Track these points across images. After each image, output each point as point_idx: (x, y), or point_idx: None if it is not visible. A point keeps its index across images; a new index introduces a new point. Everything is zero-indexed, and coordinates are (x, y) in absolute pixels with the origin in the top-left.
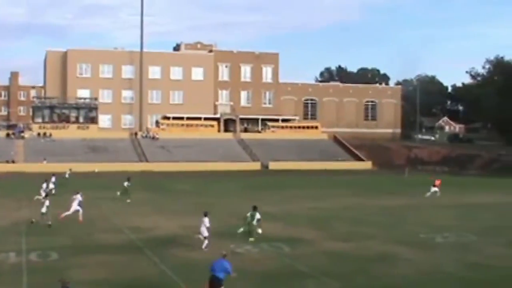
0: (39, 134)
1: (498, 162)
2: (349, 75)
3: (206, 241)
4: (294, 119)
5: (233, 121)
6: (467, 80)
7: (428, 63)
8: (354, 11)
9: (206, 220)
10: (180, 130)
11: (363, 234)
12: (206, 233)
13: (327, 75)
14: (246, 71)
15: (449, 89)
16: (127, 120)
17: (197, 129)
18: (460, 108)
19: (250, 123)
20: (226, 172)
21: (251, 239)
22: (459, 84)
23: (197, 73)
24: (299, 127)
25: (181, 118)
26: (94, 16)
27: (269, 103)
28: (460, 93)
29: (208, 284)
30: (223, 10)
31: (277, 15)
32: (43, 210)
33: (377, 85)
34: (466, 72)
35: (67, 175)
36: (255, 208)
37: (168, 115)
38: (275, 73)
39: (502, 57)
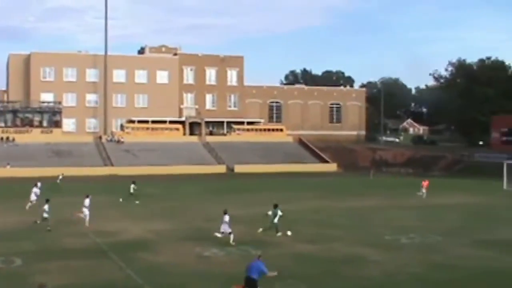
0: (1, 138)
1: (461, 163)
2: (314, 78)
3: (231, 235)
4: (259, 122)
5: (199, 124)
6: (431, 82)
7: (392, 65)
8: (319, 15)
9: (226, 217)
10: (145, 133)
11: (329, 236)
12: (229, 229)
13: (292, 78)
14: (211, 74)
15: (413, 91)
16: (92, 124)
17: (162, 133)
18: (424, 110)
19: (215, 126)
20: (192, 176)
21: (278, 234)
22: (422, 87)
23: (162, 77)
24: (264, 129)
25: (146, 122)
26: (58, 19)
27: (234, 106)
28: (423, 95)
29: (243, 285)
30: (188, 13)
31: (242, 18)
32: (45, 215)
33: (342, 87)
34: (430, 74)
35: (58, 180)
36: (276, 206)
37: (133, 118)
38: (240, 76)
39: (464, 60)
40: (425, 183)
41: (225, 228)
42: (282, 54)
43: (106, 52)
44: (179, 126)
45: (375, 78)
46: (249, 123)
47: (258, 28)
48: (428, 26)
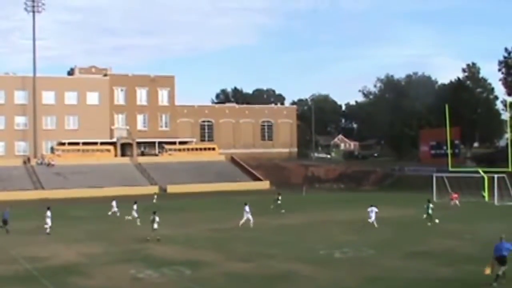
0: None
1: (391, 177)
2: (245, 96)
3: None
4: (191, 141)
5: (130, 145)
6: (360, 98)
7: (322, 82)
8: (248, 34)
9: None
10: (76, 156)
11: (263, 254)
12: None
13: (223, 97)
14: (142, 95)
15: (343, 107)
16: (21, 147)
17: (94, 154)
18: (354, 125)
19: (147, 147)
20: (124, 197)
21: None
22: (352, 103)
23: (92, 98)
24: (196, 149)
25: (77, 144)
26: None
27: (166, 126)
28: (353, 111)
29: (495, 262)
30: (116, 34)
31: (170, 38)
32: (155, 226)
33: (273, 105)
34: (359, 90)
35: (154, 200)
36: (429, 201)
37: (64, 140)
38: (171, 96)
39: (392, 76)
40: (455, 195)
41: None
42: (212, 73)
43: (34, 73)
44: (111, 147)
45: (305, 95)
46: (181, 142)
47: (187, 48)
48: (356, 42)
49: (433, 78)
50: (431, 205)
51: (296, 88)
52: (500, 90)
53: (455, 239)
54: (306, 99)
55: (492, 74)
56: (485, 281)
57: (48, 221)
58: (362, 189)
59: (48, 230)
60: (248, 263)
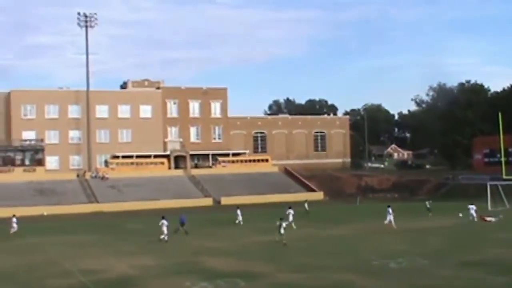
0: None
1: (445, 186)
2: (297, 107)
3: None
4: (244, 153)
5: (183, 157)
6: (413, 107)
7: (374, 92)
8: (298, 44)
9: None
10: (130, 169)
11: (316, 265)
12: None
13: (276, 108)
14: (194, 107)
15: (396, 116)
16: (75, 160)
17: (147, 167)
18: (407, 135)
19: (200, 159)
20: (178, 210)
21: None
22: (405, 112)
23: (145, 111)
24: (249, 160)
25: (131, 157)
26: (37, 55)
27: (219, 138)
28: (406, 120)
29: None
30: (167, 47)
31: (221, 50)
32: (282, 231)
33: (325, 116)
34: (412, 99)
35: (306, 207)
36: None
37: (117, 154)
38: (223, 108)
39: (444, 84)
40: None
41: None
42: (264, 84)
43: (88, 87)
44: (164, 160)
45: (358, 105)
46: (234, 154)
47: (238, 59)
48: (408, 51)
49: (485, 86)
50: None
51: (349, 99)
52: None
53: (509, 247)
54: (359, 109)
55: None
56: None
57: (165, 229)
58: (416, 198)
59: (165, 238)
60: (300, 274)
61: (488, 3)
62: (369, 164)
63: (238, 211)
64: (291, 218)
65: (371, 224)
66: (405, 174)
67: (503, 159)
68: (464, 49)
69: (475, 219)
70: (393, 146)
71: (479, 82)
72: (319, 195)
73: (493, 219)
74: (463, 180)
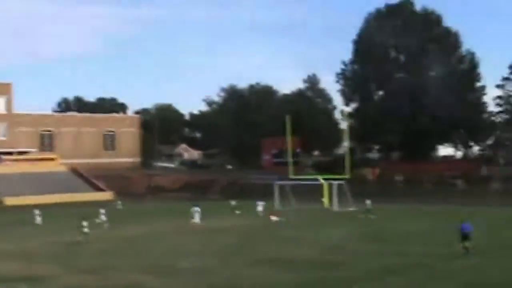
0: None
1: (236, 185)
2: (87, 105)
3: None
4: (30, 151)
5: None
6: (204, 107)
7: (166, 92)
8: (90, 41)
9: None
10: None
11: (108, 265)
12: None
13: (65, 106)
14: None
15: (187, 116)
16: None
17: None
18: (198, 134)
19: None
20: None
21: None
22: (196, 112)
23: None
24: (36, 159)
25: None
26: None
27: (3, 136)
28: (197, 120)
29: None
30: None
31: (6, 43)
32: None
33: (116, 114)
34: (203, 100)
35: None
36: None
37: None
38: (8, 104)
39: (235, 86)
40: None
41: None
42: (54, 81)
43: None
44: None
45: (149, 104)
46: (20, 153)
47: (27, 54)
48: (200, 52)
49: (275, 88)
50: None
51: (140, 97)
52: (338, 101)
53: (295, 245)
54: (150, 108)
55: (330, 85)
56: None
57: None
58: (208, 198)
59: None
60: (89, 275)
61: (279, 8)
62: (160, 164)
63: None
64: (197, 216)
65: (162, 224)
66: (195, 174)
67: (290, 159)
68: (255, 51)
69: (263, 215)
70: (184, 145)
71: (269, 84)
72: (108, 195)
73: (280, 218)
74: (252, 180)
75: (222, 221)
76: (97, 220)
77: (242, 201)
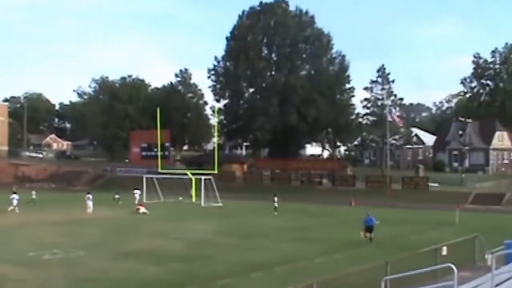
0: None
1: (103, 177)
2: None
3: None
4: None
5: None
6: (75, 98)
7: (36, 80)
8: None
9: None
10: None
11: None
12: None
13: None
14: None
15: (57, 106)
16: None
17: None
18: (68, 125)
19: None
20: None
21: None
22: (66, 102)
23: None
24: None
25: None
26: None
27: None
28: (67, 111)
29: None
30: None
31: None
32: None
33: None
34: (74, 90)
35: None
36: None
37: None
38: None
39: (107, 77)
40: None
41: None
42: None
43: None
44: None
45: (18, 93)
46: None
47: None
48: (73, 41)
49: (146, 82)
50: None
51: (9, 85)
52: (209, 96)
53: (163, 238)
54: (19, 97)
55: (202, 81)
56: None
57: None
58: (74, 189)
59: None
60: None
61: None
62: (27, 153)
63: None
64: (90, 203)
65: (27, 215)
66: (64, 165)
67: (159, 153)
68: (128, 43)
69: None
70: (53, 136)
71: (140, 77)
72: None
73: (147, 211)
74: (120, 172)
75: (93, 213)
76: None
77: (109, 193)
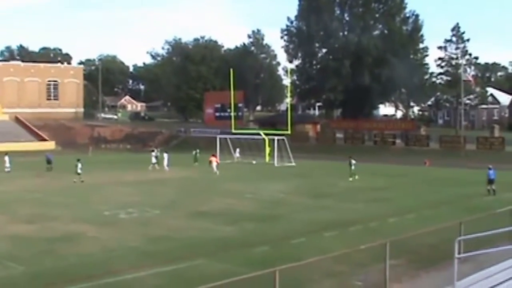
0: None
1: (177, 138)
2: (30, 55)
3: None
4: None
5: None
6: (148, 60)
7: (110, 43)
8: None
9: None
10: None
11: (47, 216)
12: None
13: (8, 54)
14: None
15: (131, 68)
16: None
17: None
18: (142, 87)
19: None
20: None
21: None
22: (140, 64)
23: None
24: None
25: None
26: None
27: None
28: (141, 72)
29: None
30: None
31: None
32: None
33: (60, 64)
34: (147, 52)
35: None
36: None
37: None
38: None
39: (180, 39)
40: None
41: None
42: None
43: None
44: None
45: (93, 55)
46: None
47: None
48: (145, 4)
49: (219, 43)
50: (353, 161)
51: (84, 48)
52: (282, 57)
53: (236, 198)
54: (94, 59)
55: (275, 41)
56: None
57: None
58: (148, 150)
59: None
60: (31, 225)
61: None
62: (103, 115)
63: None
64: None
65: (103, 175)
66: (138, 126)
67: (232, 113)
68: (201, 5)
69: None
70: (127, 97)
71: (213, 38)
72: (50, 145)
73: (217, 171)
74: (194, 133)
75: (163, 173)
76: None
77: (184, 154)
